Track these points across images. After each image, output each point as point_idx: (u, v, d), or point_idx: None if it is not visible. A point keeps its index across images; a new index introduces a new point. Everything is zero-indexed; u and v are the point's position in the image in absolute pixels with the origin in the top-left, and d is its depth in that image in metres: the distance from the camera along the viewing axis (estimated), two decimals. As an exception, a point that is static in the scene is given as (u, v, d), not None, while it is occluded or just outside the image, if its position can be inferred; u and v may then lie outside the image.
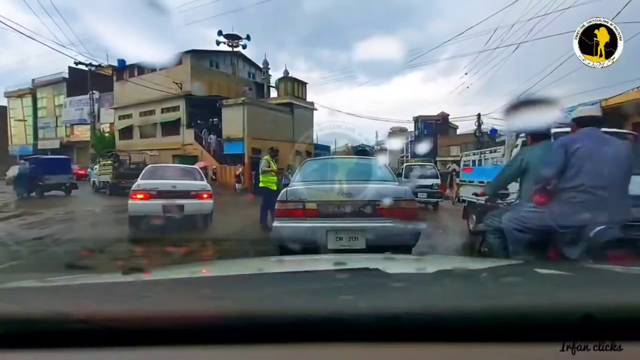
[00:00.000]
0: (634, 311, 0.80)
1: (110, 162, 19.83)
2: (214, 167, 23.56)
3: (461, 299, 0.91)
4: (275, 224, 4.25)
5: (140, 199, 7.61)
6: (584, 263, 1.84)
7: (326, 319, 0.77)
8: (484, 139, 24.23)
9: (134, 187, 7.90)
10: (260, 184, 8.36)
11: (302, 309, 0.82)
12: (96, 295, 1.06)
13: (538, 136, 3.30)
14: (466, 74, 20.08)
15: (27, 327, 0.77)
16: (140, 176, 8.45)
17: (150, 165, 9.80)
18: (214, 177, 21.65)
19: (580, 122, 2.95)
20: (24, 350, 0.74)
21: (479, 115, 24.40)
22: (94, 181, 20.87)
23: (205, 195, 8.04)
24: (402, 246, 3.89)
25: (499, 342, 0.74)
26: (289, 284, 1.15)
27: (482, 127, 24.52)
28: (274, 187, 8.10)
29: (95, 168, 21.27)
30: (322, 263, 1.85)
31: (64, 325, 0.76)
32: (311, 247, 3.85)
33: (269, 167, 8.38)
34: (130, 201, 7.73)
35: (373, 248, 3.84)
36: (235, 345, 0.74)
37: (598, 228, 2.56)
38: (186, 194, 7.81)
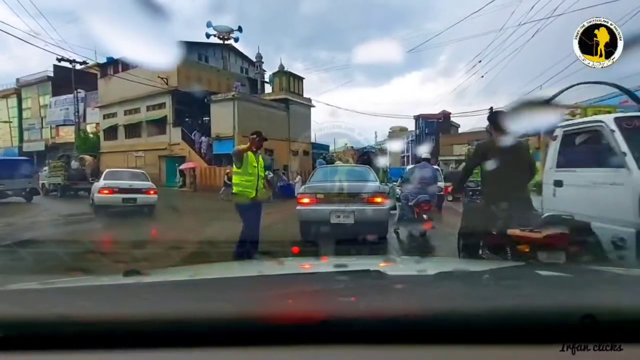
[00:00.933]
0: (634, 312, 0.82)
1: (61, 163, 19.37)
2: (228, 170, 22.02)
3: (462, 301, 0.93)
4: (298, 207, 6.64)
5: (106, 193, 11.20)
6: (584, 265, 1.89)
7: (326, 320, 0.79)
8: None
9: (100, 185, 11.48)
10: (234, 190, 5.31)
11: (303, 310, 0.84)
12: (96, 298, 1.07)
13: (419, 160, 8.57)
14: (480, 61, 19.02)
15: (27, 329, 0.79)
16: (102, 177, 12.14)
17: (109, 170, 13.15)
18: (228, 181, 19.70)
19: (420, 159, 8.40)
20: (24, 352, 0.76)
21: (491, 109, 23.05)
22: (43, 184, 19.88)
23: (151, 192, 11.71)
24: (375, 221, 6.32)
25: (499, 344, 0.76)
26: (289, 286, 1.17)
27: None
28: (252, 194, 5.14)
29: (45, 170, 20.54)
30: (323, 265, 1.94)
31: (64, 327, 0.78)
32: (319, 221, 6.35)
33: (241, 163, 5.12)
34: (97, 195, 11.34)
35: (358, 221, 6.23)
36: (235, 348, 0.76)
37: (421, 195, 6.99)
38: (138, 191, 11.49)
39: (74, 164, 19.13)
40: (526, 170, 3.99)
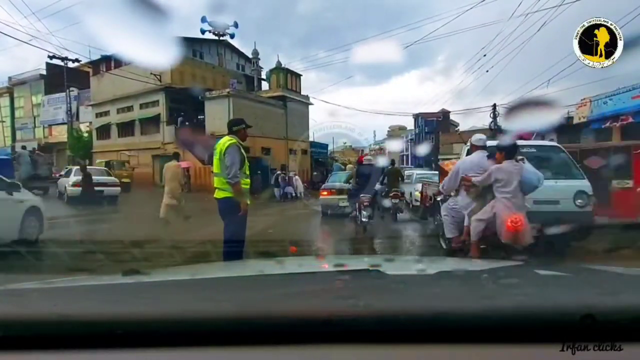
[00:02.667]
0: (634, 311, 0.83)
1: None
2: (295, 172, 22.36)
3: (461, 301, 0.94)
4: (320, 197, 12.06)
5: (76, 186, 13.75)
6: (584, 264, 1.95)
7: (326, 320, 0.80)
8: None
9: (73, 180, 14.13)
10: (220, 194, 4.57)
11: (302, 310, 0.84)
12: (96, 297, 1.09)
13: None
14: (485, 55, 18.89)
15: (27, 329, 0.80)
16: (73, 174, 14.71)
17: (77, 167, 15.51)
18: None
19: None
20: (24, 352, 0.77)
21: (494, 106, 22.76)
22: None
23: (115, 185, 15.18)
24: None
25: (499, 343, 0.77)
26: (289, 286, 1.18)
27: (496, 119, 22.53)
28: (248, 199, 4.74)
29: None
30: (323, 265, 1.97)
31: (64, 327, 0.79)
32: (332, 205, 11.37)
33: (242, 163, 4.51)
34: (71, 188, 13.98)
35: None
36: (235, 347, 0.77)
37: (378, 187, 9.12)
38: (104, 184, 14.72)
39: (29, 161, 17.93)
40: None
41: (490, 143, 5.33)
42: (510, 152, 4.61)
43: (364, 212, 7.88)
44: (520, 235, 4.24)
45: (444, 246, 5.73)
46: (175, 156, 10.41)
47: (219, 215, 4.66)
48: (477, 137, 5.44)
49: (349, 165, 20.99)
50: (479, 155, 5.03)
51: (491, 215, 4.47)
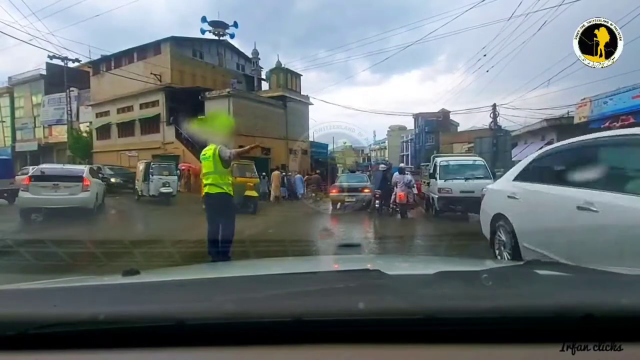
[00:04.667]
0: (634, 311, 0.83)
1: None
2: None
3: (461, 301, 0.95)
4: (330, 193, 15.30)
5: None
6: (584, 265, 1.86)
7: (326, 320, 0.81)
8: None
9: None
10: (214, 190, 5.09)
11: (302, 310, 0.84)
12: (96, 297, 1.09)
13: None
14: (485, 55, 18.72)
15: (27, 329, 0.80)
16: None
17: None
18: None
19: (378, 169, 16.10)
20: (24, 352, 0.77)
21: (494, 106, 22.59)
22: None
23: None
24: (365, 200, 13.89)
25: (499, 344, 0.77)
26: (288, 286, 1.20)
27: (497, 119, 22.25)
28: (230, 190, 5.25)
29: None
30: (323, 264, 2.01)
31: (64, 327, 0.79)
32: (340, 200, 14.24)
33: (227, 158, 5.13)
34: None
35: (357, 200, 13.91)
36: (235, 347, 0.78)
37: (376, 190, 13.20)
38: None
39: None
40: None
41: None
42: (401, 171, 12.34)
43: (377, 201, 12.60)
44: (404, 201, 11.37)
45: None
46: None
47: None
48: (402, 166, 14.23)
49: (358, 173, 21.49)
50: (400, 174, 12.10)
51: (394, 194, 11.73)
